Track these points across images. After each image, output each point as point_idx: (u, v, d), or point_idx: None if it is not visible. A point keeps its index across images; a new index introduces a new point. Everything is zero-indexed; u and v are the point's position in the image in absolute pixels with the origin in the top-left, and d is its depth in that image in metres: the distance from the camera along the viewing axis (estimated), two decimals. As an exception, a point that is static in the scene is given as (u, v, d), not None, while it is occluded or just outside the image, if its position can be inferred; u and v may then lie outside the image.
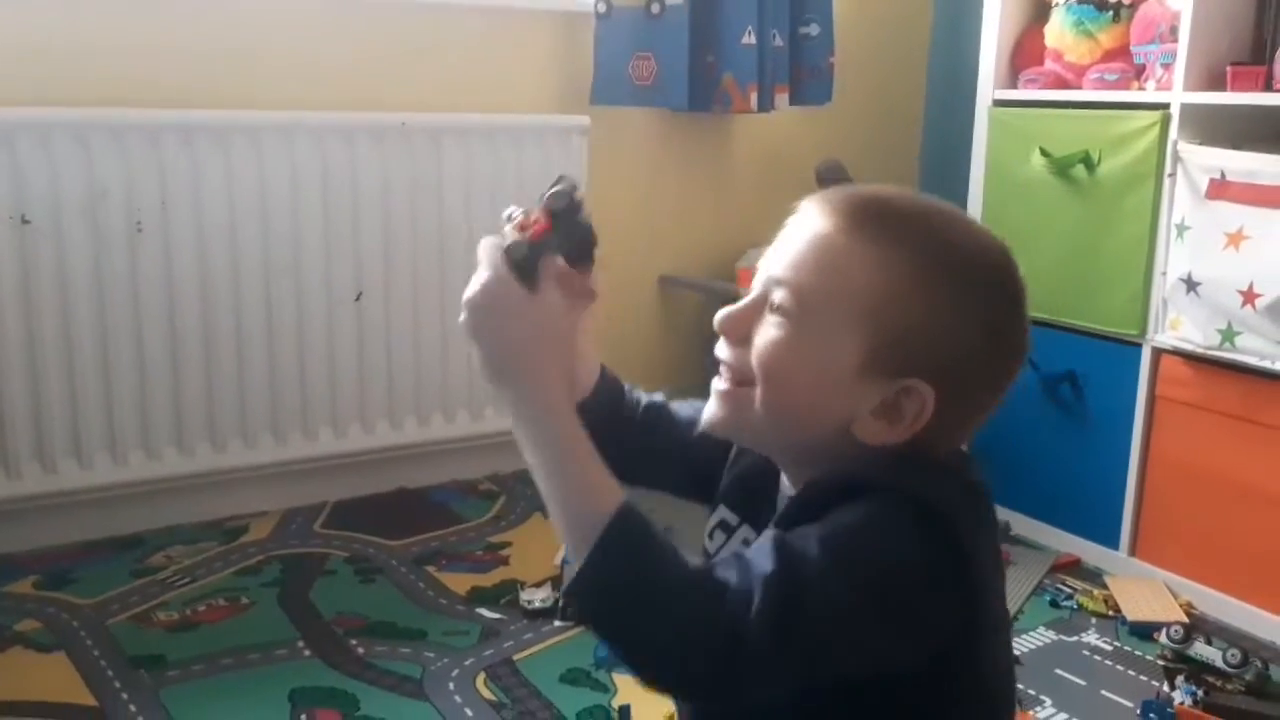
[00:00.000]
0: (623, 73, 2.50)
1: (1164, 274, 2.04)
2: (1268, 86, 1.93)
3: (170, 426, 2.16)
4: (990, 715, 0.82)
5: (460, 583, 2.04)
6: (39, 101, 1.99)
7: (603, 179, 2.54)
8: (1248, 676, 1.74)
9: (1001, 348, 0.80)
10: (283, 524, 2.27)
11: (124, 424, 2.11)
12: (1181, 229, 1.99)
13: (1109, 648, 1.91)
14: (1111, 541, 2.19)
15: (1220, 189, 1.93)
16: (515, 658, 1.79)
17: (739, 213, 2.82)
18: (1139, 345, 2.11)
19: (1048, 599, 2.06)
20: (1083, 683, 1.79)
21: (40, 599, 1.94)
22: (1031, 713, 1.69)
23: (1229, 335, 1.94)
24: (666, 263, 2.76)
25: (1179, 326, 2.02)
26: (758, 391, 0.80)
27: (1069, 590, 2.09)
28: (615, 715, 1.64)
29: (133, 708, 1.63)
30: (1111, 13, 2.21)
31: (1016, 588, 2.10)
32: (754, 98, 2.53)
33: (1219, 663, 1.76)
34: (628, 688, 1.70)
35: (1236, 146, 1.95)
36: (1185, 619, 1.94)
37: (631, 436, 0.97)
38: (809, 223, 0.80)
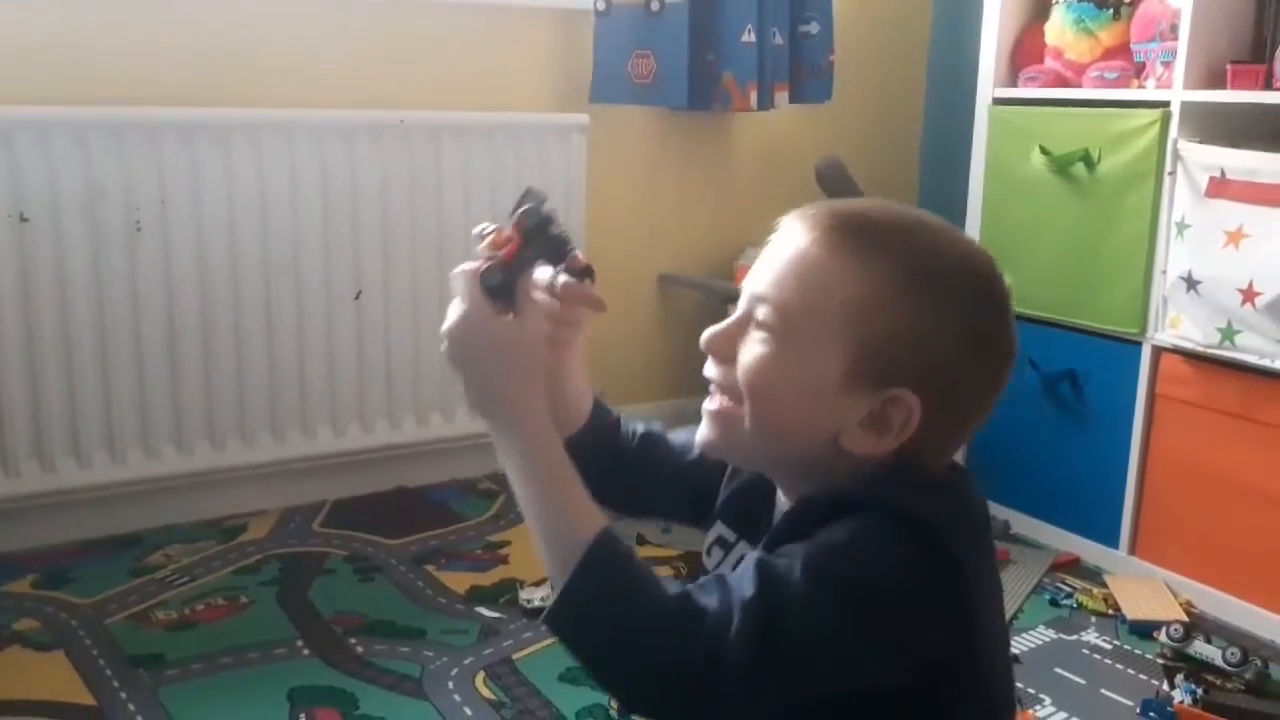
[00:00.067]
0: (622, 71, 2.50)
1: (1164, 272, 2.04)
2: (1268, 85, 1.93)
3: (169, 425, 2.16)
4: (990, 715, 0.82)
5: (459, 582, 2.04)
6: (38, 100, 1.99)
7: (602, 177, 2.54)
8: (1247, 675, 1.74)
9: (987, 355, 0.80)
10: (281, 523, 2.27)
11: (123, 423, 2.11)
12: (1181, 227, 1.99)
13: (1109, 646, 1.90)
14: (1111, 540, 2.19)
15: (1220, 187, 1.93)
16: (514, 657, 1.78)
17: (738, 211, 2.82)
18: (1139, 344, 2.11)
19: (1047, 598, 2.06)
20: (1082, 681, 1.79)
21: (39, 598, 1.93)
22: (1031, 711, 1.69)
23: (1229, 334, 1.93)
24: (666, 261, 2.76)
25: (1179, 325, 2.02)
26: (745, 409, 0.80)
27: (1069, 589, 2.09)
28: (614, 714, 1.64)
29: (131, 707, 1.62)
30: (1112, 11, 2.20)
31: (1016, 586, 2.10)
32: (754, 96, 2.53)
33: (1219, 661, 1.76)
34: (627, 687, 1.70)
35: (1236, 145, 1.95)
36: (1185, 618, 1.94)
37: (629, 466, 0.98)
38: (790, 239, 0.81)
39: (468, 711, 1.64)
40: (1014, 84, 2.35)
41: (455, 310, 0.80)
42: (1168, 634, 1.83)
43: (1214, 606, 2.01)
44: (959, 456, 0.87)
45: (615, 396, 2.96)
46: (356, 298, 2.28)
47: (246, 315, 2.18)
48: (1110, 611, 2.01)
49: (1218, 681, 1.74)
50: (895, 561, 0.73)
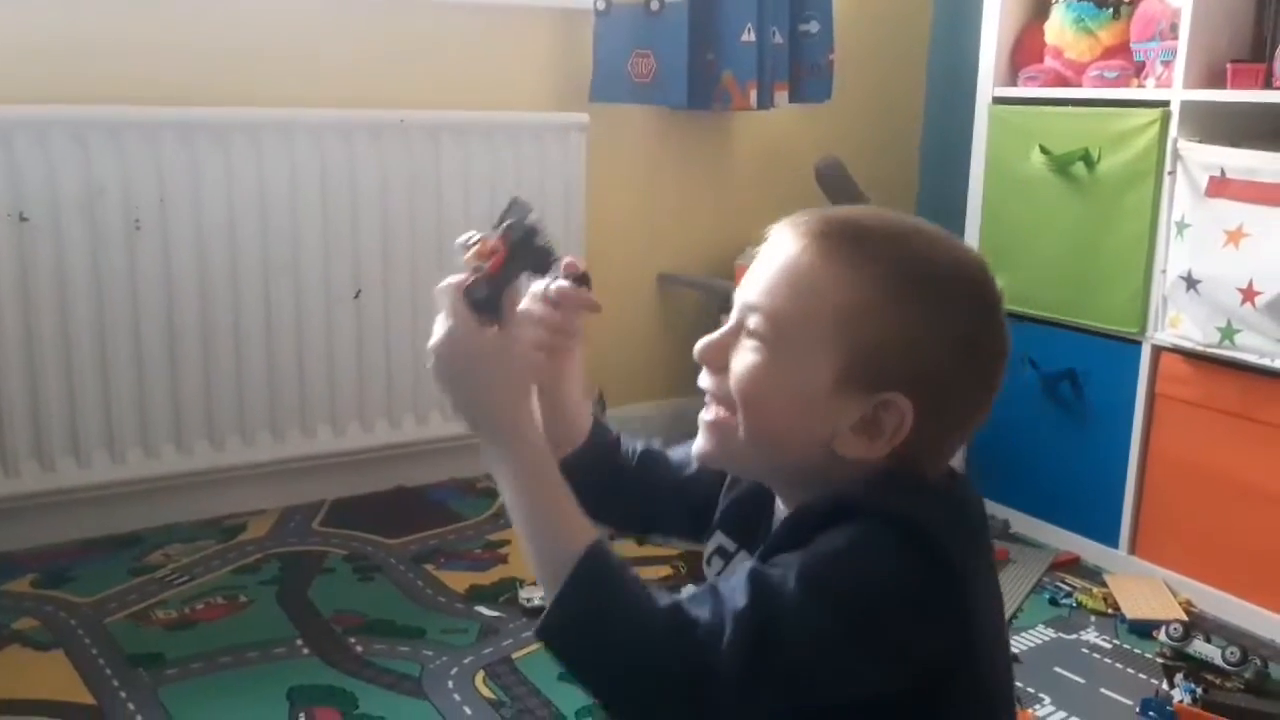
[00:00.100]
0: (622, 70, 2.50)
1: (1164, 272, 2.04)
2: (1267, 84, 1.93)
3: (169, 424, 2.16)
4: (989, 717, 0.82)
5: (459, 581, 2.04)
6: (37, 99, 1.99)
7: (602, 177, 2.54)
8: (1247, 674, 1.74)
9: (979, 360, 0.80)
10: (281, 522, 2.27)
11: (122, 422, 2.11)
12: (1181, 227, 1.99)
13: (1108, 646, 1.90)
14: (1111, 539, 2.19)
15: (1220, 187, 1.93)
16: (514, 656, 1.78)
17: (738, 211, 2.82)
18: (1139, 343, 2.11)
19: (1047, 597, 2.06)
20: (1082, 681, 1.79)
21: (38, 597, 1.93)
22: (1031, 711, 1.69)
23: (1228, 333, 1.93)
24: (665, 261, 2.76)
25: (1179, 324, 2.02)
26: (739, 417, 0.80)
27: (1068, 588, 2.09)
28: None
29: (131, 706, 1.62)
30: (1111, 10, 2.20)
31: (1016, 585, 2.10)
32: (753, 95, 2.53)
33: (1218, 660, 1.76)
34: (627, 686, 1.70)
35: (1236, 144, 1.94)
36: (1184, 617, 1.94)
37: (629, 483, 0.98)
38: (780, 247, 0.81)
39: (467, 711, 1.64)
40: (1014, 83, 2.35)
41: (440, 326, 0.80)
42: (1167, 633, 1.83)
43: (1213, 606, 2.01)
44: (959, 458, 0.87)
45: (615, 396, 2.98)
46: (356, 297, 2.28)
47: (246, 314, 2.18)
48: (1110, 611, 2.01)
49: (1217, 681, 1.74)
50: (891, 568, 0.73)
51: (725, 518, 0.93)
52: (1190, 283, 1.97)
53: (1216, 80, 1.99)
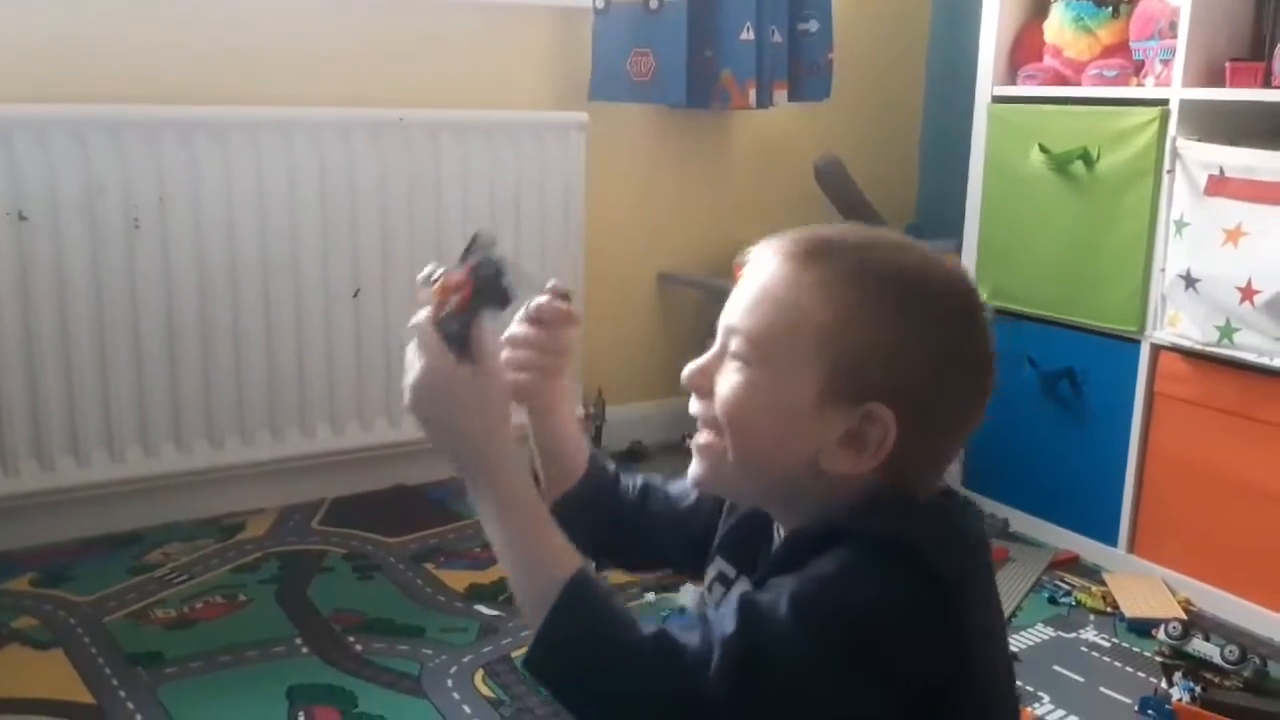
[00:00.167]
0: (621, 69, 2.50)
1: (1162, 270, 2.04)
2: (1266, 83, 1.92)
3: (168, 423, 2.16)
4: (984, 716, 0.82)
5: (458, 580, 2.04)
6: (36, 98, 1.99)
7: (601, 176, 2.54)
8: (1246, 673, 1.74)
9: (961, 365, 0.80)
10: (280, 521, 2.27)
11: (121, 421, 2.11)
12: (1180, 225, 1.99)
13: (1107, 644, 1.91)
14: (1110, 538, 2.19)
15: (1219, 185, 1.93)
16: (513, 654, 1.78)
17: (737, 210, 2.82)
18: (1137, 342, 2.11)
19: (1046, 595, 2.06)
20: (1081, 679, 1.79)
21: (38, 596, 1.93)
22: (1030, 709, 1.69)
23: (1227, 332, 1.93)
24: (665, 260, 2.76)
25: (1177, 323, 2.02)
26: (726, 439, 0.81)
27: (1067, 587, 2.10)
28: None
29: (130, 705, 1.62)
30: (1111, 9, 2.20)
31: (1015, 584, 2.10)
32: (752, 94, 2.53)
33: (1217, 659, 1.76)
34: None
35: (1235, 143, 1.94)
36: (1183, 615, 1.94)
37: (630, 519, 0.99)
38: (758, 269, 0.82)
39: (467, 710, 1.64)
40: (1013, 82, 2.35)
41: (416, 363, 0.80)
42: (1166, 632, 1.83)
43: (1212, 604, 2.01)
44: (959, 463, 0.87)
45: (614, 395, 2.98)
46: (355, 296, 2.28)
47: (245, 313, 2.18)
48: (1109, 609, 2.01)
49: (1216, 679, 1.74)
50: (882, 591, 0.73)
51: (724, 544, 0.93)
52: (1189, 281, 1.97)
53: (1215, 79, 1.99)
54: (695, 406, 0.84)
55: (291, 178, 2.18)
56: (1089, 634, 1.94)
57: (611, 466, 1.02)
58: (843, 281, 0.78)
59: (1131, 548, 2.16)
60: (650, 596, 1.95)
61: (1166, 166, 2.02)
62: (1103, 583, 2.11)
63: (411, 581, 2.04)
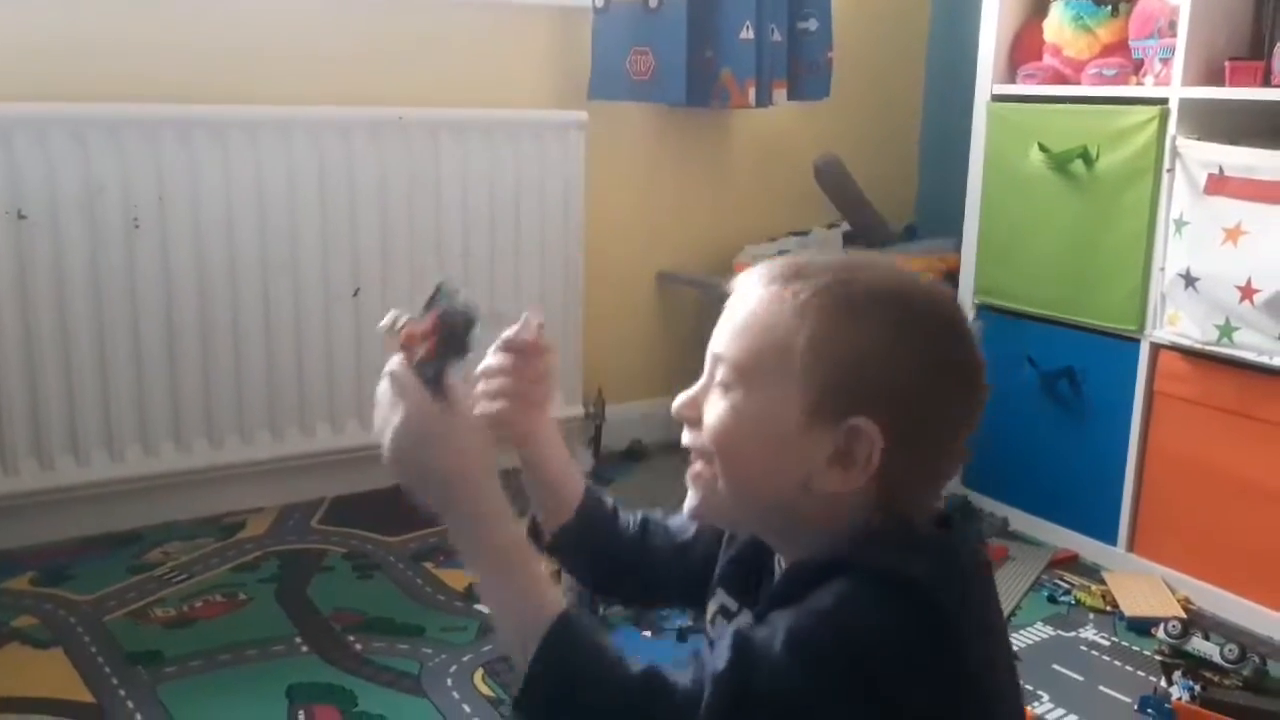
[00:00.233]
0: (620, 68, 2.50)
1: (1162, 269, 2.04)
2: (1266, 81, 1.92)
3: (168, 422, 2.16)
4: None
5: (458, 579, 2.04)
6: (36, 97, 1.99)
7: (600, 175, 2.54)
8: (1245, 672, 1.74)
9: (945, 375, 0.79)
10: (280, 520, 2.27)
11: (121, 420, 2.11)
12: (1180, 224, 1.99)
13: (1107, 643, 1.91)
14: (1109, 537, 2.19)
15: (1218, 184, 1.93)
16: (513, 654, 1.78)
17: (737, 209, 2.82)
18: (1137, 341, 2.11)
19: (1045, 594, 2.07)
20: (1080, 678, 1.79)
21: (37, 595, 1.93)
22: (1029, 708, 1.69)
23: (1227, 331, 1.94)
24: (664, 259, 2.76)
25: (1177, 322, 2.02)
26: (717, 468, 0.81)
27: (1067, 585, 2.10)
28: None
29: (130, 704, 1.62)
30: (1110, 7, 2.20)
31: (1014, 583, 2.10)
32: (752, 93, 2.53)
33: (1216, 658, 1.76)
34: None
35: (1234, 142, 1.95)
36: (1183, 614, 1.94)
37: (630, 554, 0.99)
38: (742, 295, 0.82)
39: (466, 709, 1.64)
40: (1013, 81, 2.35)
41: (395, 411, 0.79)
42: (1166, 630, 1.83)
43: (1212, 603, 2.01)
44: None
45: (614, 394, 2.98)
46: (355, 295, 2.28)
47: (245, 312, 2.18)
48: (1108, 608, 2.01)
49: (1215, 678, 1.74)
50: (881, 624, 0.72)
51: (725, 576, 0.92)
52: (1189, 280, 1.97)
53: (1215, 78, 1.99)
54: (687, 437, 0.84)
55: (291, 177, 2.18)
56: (1089, 633, 1.94)
57: (610, 500, 1.02)
58: (821, 299, 0.78)
59: (1131, 546, 2.16)
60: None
61: (1166, 165, 2.02)
62: (1102, 581, 2.11)
63: (411, 581, 2.04)
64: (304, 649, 1.79)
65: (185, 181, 2.09)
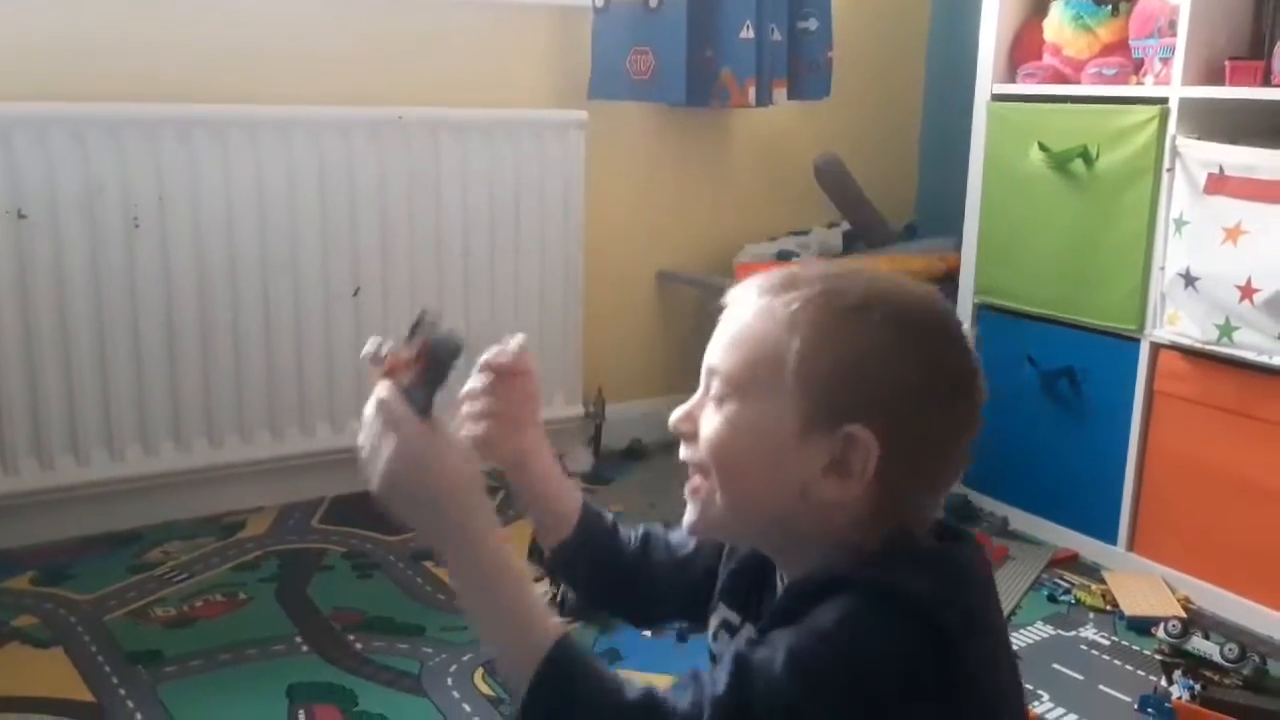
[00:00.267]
0: (620, 67, 2.50)
1: (1162, 269, 2.04)
2: (1266, 81, 1.92)
3: (167, 422, 2.16)
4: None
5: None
6: (36, 96, 1.99)
7: (600, 174, 2.54)
8: (1245, 671, 1.74)
9: (938, 379, 0.78)
10: (280, 519, 2.27)
11: (121, 420, 2.11)
12: (1180, 224, 1.99)
13: (1107, 642, 1.91)
14: (1109, 536, 2.19)
15: (1219, 184, 1.93)
16: (513, 653, 1.78)
17: (737, 208, 2.82)
18: (1137, 340, 2.11)
19: (1045, 594, 2.07)
20: (1080, 677, 1.79)
21: (38, 594, 1.93)
22: (1029, 708, 1.69)
23: (1227, 330, 1.94)
24: (664, 258, 2.76)
25: (1177, 321, 2.02)
26: (714, 481, 0.80)
27: (1067, 585, 2.10)
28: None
29: (130, 704, 1.62)
30: (1110, 7, 2.21)
31: (1014, 583, 2.10)
32: (752, 92, 2.53)
33: (1217, 657, 1.76)
34: (626, 683, 1.70)
35: (1235, 141, 1.95)
36: (1183, 614, 1.94)
37: (629, 567, 0.99)
38: (735, 308, 0.82)
39: (466, 708, 1.64)
40: (1013, 80, 2.35)
41: (386, 439, 0.78)
42: (1166, 630, 1.83)
43: (1212, 602, 2.01)
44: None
45: (614, 393, 2.98)
46: (355, 294, 2.28)
47: (245, 312, 2.18)
48: (1108, 607, 2.01)
49: (1215, 677, 1.74)
50: (881, 643, 0.72)
51: (726, 590, 0.92)
52: (1188, 280, 1.97)
53: (1215, 77, 1.99)
54: (684, 452, 0.83)
55: (291, 176, 2.18)
56: (1088, 632, 1.94)
57: (609, 516, 1.02)
58: (812, 308, 0.78)
59: (1131, 546, 2.16)
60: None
61: (1166, 165, 2.02)
62: (1102, 581, 2.11)
63: (411, 580, 2.04)
64: (304, 648, 1.79)
65: (185, 181, 2.09)
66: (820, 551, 0.79)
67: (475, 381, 0.93)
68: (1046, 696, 1.73)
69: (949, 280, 2.50)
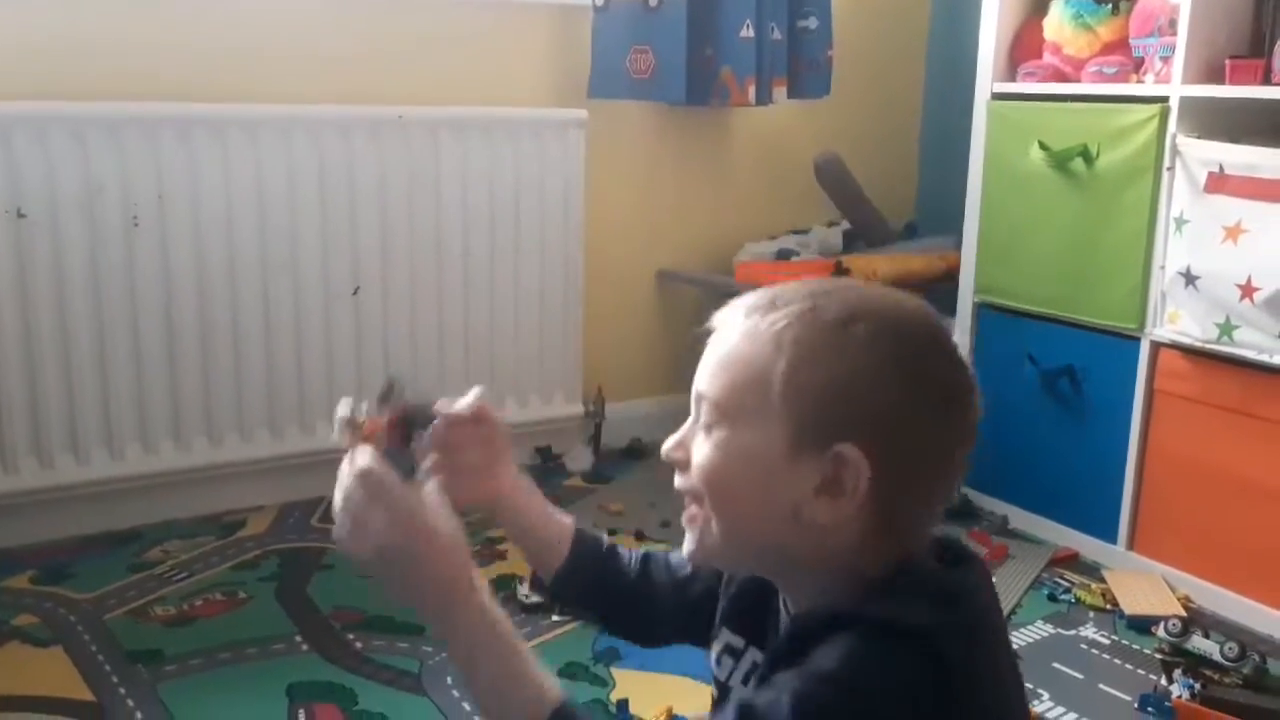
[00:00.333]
0: (620, 66, 2.50)
1: (1162, 268, 2.04)
2: (1266, 80, 1.92)
3: (167, 421, 2.16)
4: None
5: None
6: (35, 95, 1.99)
7: (600, 173, 2.54)
8: (1245, 670, 1.74)
9: (930, 397, 0.77)
10: (280, 518, 2.27)
11: (121, 419, 2.11)
12: (1180, 222, 1.99)
13: (1107, 641, 1.91)
14: (1109, 535, 2.19)
15: (1219, 182, 1.93)
16: (513, 652, 1.78)
17: (737, 207, 2.82)
18: (1137, 339, 2.11)
19: (1046, 593, 2.07)
20: (1080, 676, 1.79)
21: (38, 594, 1.93)
22: (1031, 707, 1.69)
23: (1227, 329, 1.93)
24: (664, 257, 2.76)
25: (1177, 320, 2.02)
26: (708, 508, 0.80)
27: (1067, 584, 2.10)
28: (614, 709, 1.64)
29: (130, 703, 1.62)
30: (1110, 6, 2.20)
31: (1014, 582, 2.10)
32: (752, 91, 2.53)
33: (1217, 656, 1.76)
34: (626, 682, 1.70)
35: (1235, 140, 1.94)
36: (1183, 612, 1.94)
37: (629, 589, 0.99)
38: (720, 331, 0.81)
39: (466, 707, 1.64)
40: (1013, 79, 2.35)
41: (373, 509, 0.78)
42: (1166, 629, 1.83)
43: (1212, 601, 2.01)
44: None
45: (614, 393, 2.98)
46: (354, 293, 2.28)
47: (244, 311, 2.18)
48: (1108, 606, 2.01)
49: (1216, 676, 1.74)
50: (885, 682, 0.71)
51: (728, 614, 0.92)
52: (1189, 279, 1.97)
53: (1215, 76, 1.99)
54: (679, 480, 0.83)
55: (291, 175, 2.17)
56: (1089, 631, 1.94)
57: (605, 539, 1.02)
58: (796, 328, 0.76)
59: (1131, 545, 2.16)
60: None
61: (1166, 164, 2.02)
62: (1102, 580, 2.11)
63: (411, 579, 2.04)
64: (304, 647, 1.79)
65: (185, 180, 2.09)
66: (819, 578, 0.78)
67: (440, 432, 0.93)
68: (1047, 695, 1.73)
69: (949, 279, 2.50)
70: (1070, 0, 2.23)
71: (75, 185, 2.00)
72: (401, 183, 2.28)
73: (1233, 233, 1.90)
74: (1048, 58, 2.29)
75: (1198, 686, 1.70)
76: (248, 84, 2.20)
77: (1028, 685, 1.74)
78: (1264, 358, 1.90)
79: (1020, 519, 2.35)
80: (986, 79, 2.37)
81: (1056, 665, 1.82)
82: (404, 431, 0.81)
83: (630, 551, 1.02)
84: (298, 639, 1.81)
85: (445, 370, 2.39)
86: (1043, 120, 2.24)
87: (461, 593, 0.79)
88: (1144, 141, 2.05)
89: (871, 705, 0.71)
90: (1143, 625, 1.92)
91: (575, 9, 2.51)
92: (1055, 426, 2.26)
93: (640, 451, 2.68)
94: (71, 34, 2.04)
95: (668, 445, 0.83)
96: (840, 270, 2.49)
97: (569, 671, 1.72)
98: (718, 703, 0.91)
